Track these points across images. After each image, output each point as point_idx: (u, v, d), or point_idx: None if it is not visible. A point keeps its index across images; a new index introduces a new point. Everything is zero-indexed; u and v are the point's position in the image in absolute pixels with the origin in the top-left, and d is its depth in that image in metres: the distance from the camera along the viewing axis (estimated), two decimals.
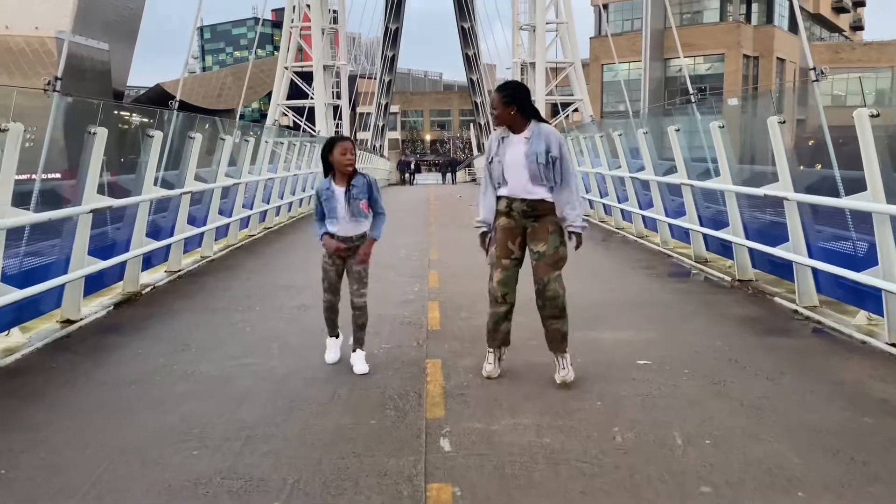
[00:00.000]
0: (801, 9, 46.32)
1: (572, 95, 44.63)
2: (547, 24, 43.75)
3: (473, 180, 48.91)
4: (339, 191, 4.72)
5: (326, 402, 4.31)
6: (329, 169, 4.76)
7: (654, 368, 4.84)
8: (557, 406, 4.16)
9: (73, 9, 60.16)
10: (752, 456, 3.48)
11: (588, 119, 30.07)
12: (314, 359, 5.11)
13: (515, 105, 4.45)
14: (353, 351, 4.95)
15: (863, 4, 66.93)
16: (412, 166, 53.58)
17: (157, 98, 55.15)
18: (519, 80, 45.63)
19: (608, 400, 4.25)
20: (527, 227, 4.54)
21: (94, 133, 6.41)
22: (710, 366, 4.90)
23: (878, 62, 48.94)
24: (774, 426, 3.83)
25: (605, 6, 48.24)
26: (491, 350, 4.80)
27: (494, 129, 4.69)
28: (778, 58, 49.19)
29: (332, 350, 5.10)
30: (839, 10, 60.17)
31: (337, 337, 5.12)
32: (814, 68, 5.90)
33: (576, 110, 44.31)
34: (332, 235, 4.78)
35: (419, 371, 4.85)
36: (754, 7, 48.93)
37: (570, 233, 4.51)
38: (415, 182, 49.02)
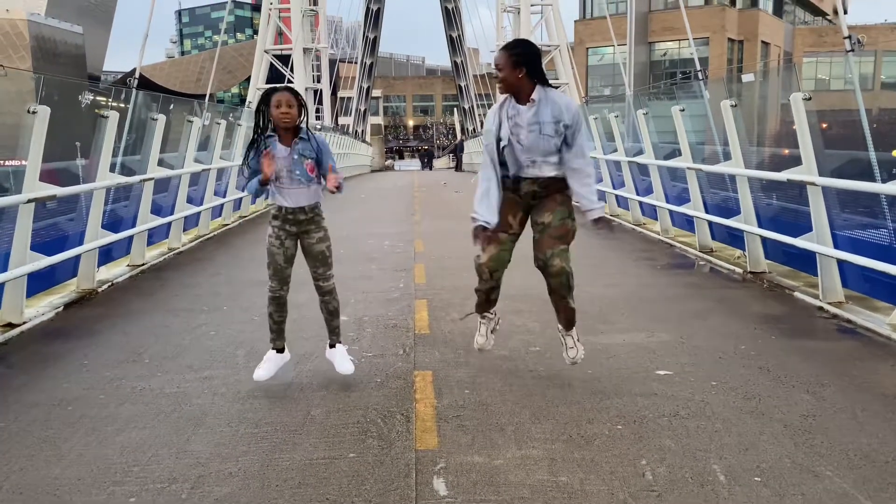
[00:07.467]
0: None
1: (557, 79, 43.96)
2: (532, 5, 42.97)
3: (456, 168, 48.05)
4: (282, 149, 3.94)
5: (297, 427, 3.64)
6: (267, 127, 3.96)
7: (677, 381, 4.21)
8: (571, 429, 3.52)
9: None
10: (814, 497, 2.86)
11: (582, 101, 29.42)
12: (284, 369, 4.40)
13: (524, 67, 3.81)
14: (331, 346, 4.26)
15: None
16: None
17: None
18: None
19: (630, 421, 3.62)
20: (532, 204, 4.02)
21: (35, 112, 5.64)
22: (739, 376, 4.28)
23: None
24: (830, 456, 3.22)
25: None
26: (483, 320, 4.33)
27: (496, 102, 4.11)
28: (763, 41, 48.75)
29: (267, 364, 4.15)
30: None
31: (281, 351, 4.21)
32: (849, 37, 5.24)
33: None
34: (279, 209, 4.04)
35: (406, 385, 4.19)
36: None
37: (593, 221, 4.00)
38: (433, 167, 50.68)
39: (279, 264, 4.09)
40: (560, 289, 4.03)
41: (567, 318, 4.16)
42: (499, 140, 3.90)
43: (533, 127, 3.84)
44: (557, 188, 3.98)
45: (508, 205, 4.00)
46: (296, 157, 3.93)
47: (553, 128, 3.84)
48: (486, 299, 4.25)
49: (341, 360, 4.20)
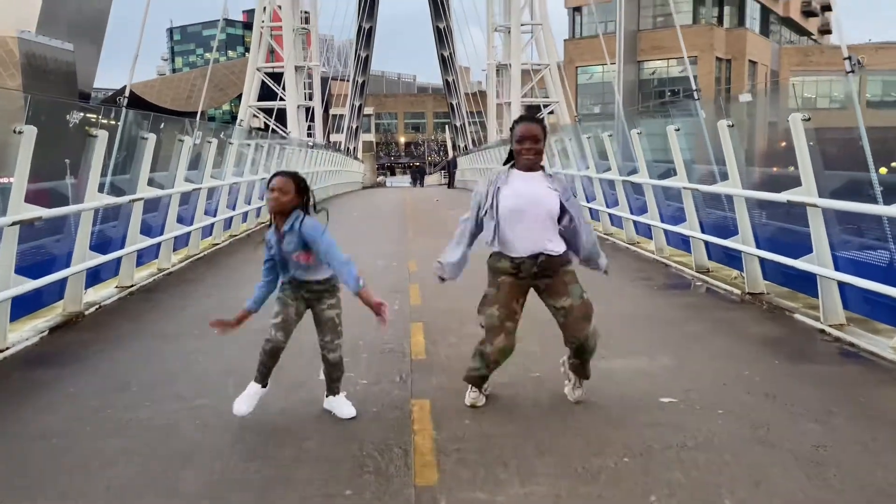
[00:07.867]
0: (771, 11, 46.15)
1: (547, 97, 44.19)
2: (522, 25, 43.28)
3: (449, 185, 48.14)
4: (273, 237, 3.91)
5: (290, 460, 3.50)
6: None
7: (682, 408, 4.10)
8: (576, 463, 3.40)
9: (38, 8, 58.21)
10: None
11: (572, 120, 29.56)
12: (276, 397, 4.27)
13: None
14: (327, 397, 4.13)
15: (830, 9, 67.46)
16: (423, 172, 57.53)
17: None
18: (494, 81, 45.18)
19: (636, 453, 3.50)
20: (538, 285, 3.98)
21: (21, 132, 5.51)
22: (745, 403, 4.18)
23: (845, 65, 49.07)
24: (844, 490, 3.11)
25: (578, 8, 47.97)
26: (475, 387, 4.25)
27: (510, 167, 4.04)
28: (750, 60, 49.27)
29: (247, 399, 3.95)
30: (808, 13, 60.55)
31: (264, 386, 4.03)
32: (849, 58, 5.22)
33: (551, 112, 43.90)
34: (291, 278, 3.98)
35: (404, 416, 4.05)
36: (726, 10, 49.03)
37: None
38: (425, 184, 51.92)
39: (290, 316, 3.95)
40: (591, 355, 4.11)
41: (585, 372, 4.19)
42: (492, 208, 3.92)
43: (553, 190, 3.90)
44: (558, 265, 3.96)
45: (511, 290, 3.96)
46: (284, 248, 3.84)
47: (566, 192, 3.94)
48: (481, 382, 4.20)
49: (341, 407, 4.06)
